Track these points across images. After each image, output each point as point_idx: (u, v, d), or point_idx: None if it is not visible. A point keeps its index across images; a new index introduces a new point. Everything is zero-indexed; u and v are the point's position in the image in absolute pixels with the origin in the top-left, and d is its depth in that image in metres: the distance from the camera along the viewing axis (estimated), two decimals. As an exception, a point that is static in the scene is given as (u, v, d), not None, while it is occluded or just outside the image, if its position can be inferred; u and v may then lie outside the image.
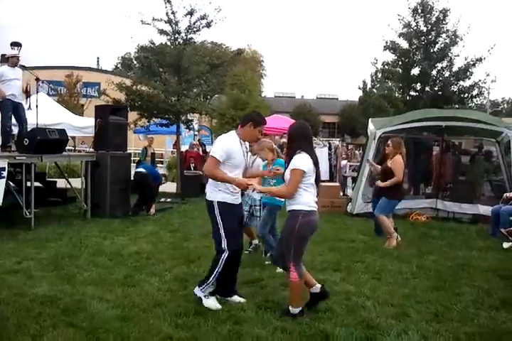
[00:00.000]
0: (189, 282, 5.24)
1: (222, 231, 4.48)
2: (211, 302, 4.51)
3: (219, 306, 4.48)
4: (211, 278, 4.53)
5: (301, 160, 4.25)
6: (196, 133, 21.46)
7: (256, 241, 6.90)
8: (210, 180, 4.62)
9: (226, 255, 4.47)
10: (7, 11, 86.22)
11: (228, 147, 4.44)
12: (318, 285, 4.52)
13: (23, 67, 10.21)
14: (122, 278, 5.37)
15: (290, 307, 4.30)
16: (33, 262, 5.96)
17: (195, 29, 12.77)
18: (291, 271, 4.26)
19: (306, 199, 4.28)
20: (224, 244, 4.47)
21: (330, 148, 15.50)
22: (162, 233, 8.15)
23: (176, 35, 12.84)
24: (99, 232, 7.99)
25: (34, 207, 8.29)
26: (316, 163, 4.36)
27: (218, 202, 4.51)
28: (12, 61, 9.28)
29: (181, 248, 7.00)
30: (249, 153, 4.86)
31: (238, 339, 3.76)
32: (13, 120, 9.39)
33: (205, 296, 4.55)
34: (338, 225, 9.24)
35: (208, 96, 27.19)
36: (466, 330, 4.08)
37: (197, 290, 4.61)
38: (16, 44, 16.70)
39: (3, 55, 9.55)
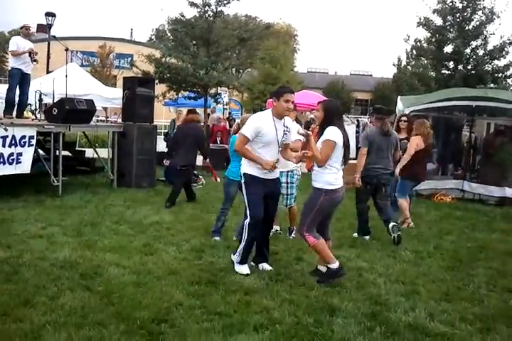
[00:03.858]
0: (205, 252, 5.39)
1: (246, 200, 4.81)
2: (241, 268, 4.78)
3: (246, 271, 4.73)
4: (241, 245, 4.82)
5: (334, 132, 4.52)
6: (226, 106, 21.46)
7: (277, 228, 6.51)
8: None
9: (248, 221, 4.75)
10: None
11: (257, 125, 4.66)
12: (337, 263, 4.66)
13: (54, 37, 10.32)
14: (141, 247, 5.53)
15: (328, 266, 4.58)
16: (57, 228, 6.18)
17: (225, 1, 12.68)
18: (306, 237, 4.57)
19: (328, 179, 4.56)
20: (247, 212, 4.78)
21: (358, 126, 15.33)
22: (184, 204, 8.30)
23: (206, 8, 12.78)
24: (124, 202, 8.19)
25: (63, 175, 8.53)
26: (346, 140, 4.61)
27: (245, 173, 4.81)
28: (24, 32, 9.40)
29: (201, 219, 7.12)
30: (288, 131, 4.82)
31: (246, 309, 3.86)
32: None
33: (237, 262, 4.83)
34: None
35: (240, 70, 27.09)
36: (475, 311, 4.08)
37: (233, 257, 4.92)
38: (49, 14, 16.88)
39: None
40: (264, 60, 26.51)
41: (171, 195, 8.14)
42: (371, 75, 50.56)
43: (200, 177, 10.71)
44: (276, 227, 6.38)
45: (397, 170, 7.08)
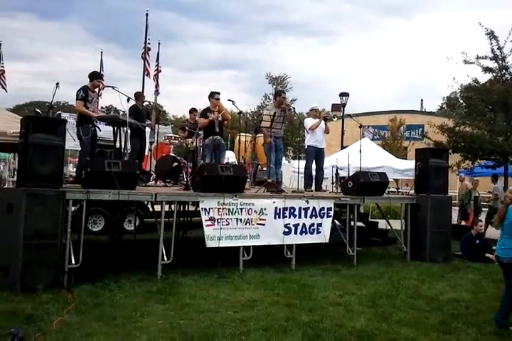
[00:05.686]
0: (510, 337, 4.79)
1: None
2: None
3: None
4: None
5: None
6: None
7: None
8: None
9: None
10: (335, 66, 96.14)
11: None
12: None
13: (348, 116, 11.27)
14: (437, 324, 5.28)
15: None
16: (353, 297, 6.36)
17: (525, 62, 11.92)
18: None
19: None
20: None
21: None
22: (484, 282, 7.63)
23: (503, 71, 12.18)
24: (418, 275, 7.98)
25: (357, 245, 8.89)
26: None
27: None
28: (313, 114, 10.57)
29: (505, 300, 6.40)
30: None
31: None
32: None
33: None
34: None
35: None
36: None
37: None
38: (343, 94, 18.69)
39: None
40: None
41: None
42: None
43: None
44: None
45: None
